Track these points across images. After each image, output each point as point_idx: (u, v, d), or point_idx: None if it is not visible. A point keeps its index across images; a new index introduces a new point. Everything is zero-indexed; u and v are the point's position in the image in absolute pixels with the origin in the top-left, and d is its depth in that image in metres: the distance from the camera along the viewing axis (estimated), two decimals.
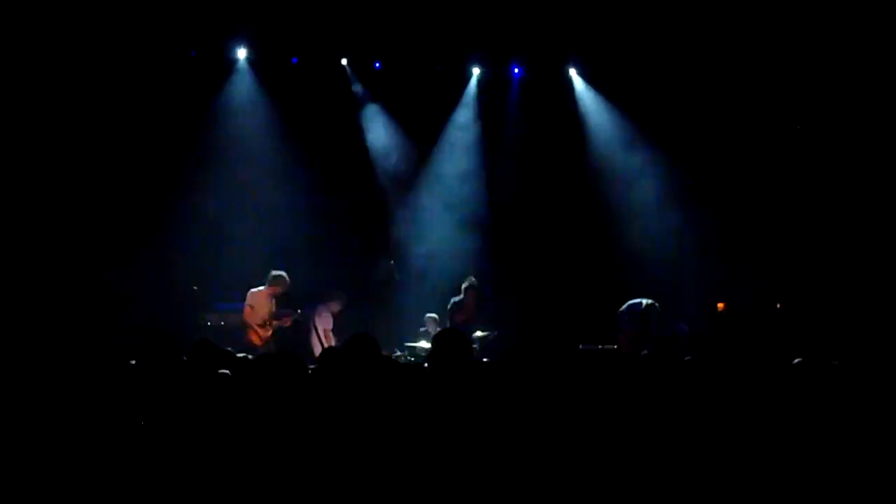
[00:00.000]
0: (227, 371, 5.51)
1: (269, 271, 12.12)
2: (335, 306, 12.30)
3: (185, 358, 5.65)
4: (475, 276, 13.35)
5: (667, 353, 11.41)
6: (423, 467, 3.99)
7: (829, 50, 12.85)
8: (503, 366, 5.04)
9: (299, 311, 12.20)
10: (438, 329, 12.15)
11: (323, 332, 12.01)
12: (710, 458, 4.10)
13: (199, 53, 13.37)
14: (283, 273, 12.03)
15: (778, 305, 14.01)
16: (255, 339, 11.81)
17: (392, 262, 12.87)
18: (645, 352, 12.19)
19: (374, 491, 3.87)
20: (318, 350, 11.66)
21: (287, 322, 12.10)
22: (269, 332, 11.93)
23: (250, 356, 6.60)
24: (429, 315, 12.71)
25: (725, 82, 13.79)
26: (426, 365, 5.17)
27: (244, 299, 12.00)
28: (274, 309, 12.06)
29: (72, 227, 12.48)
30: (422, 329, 12.57)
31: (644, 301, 12.40)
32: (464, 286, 12.23)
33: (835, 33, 12.61)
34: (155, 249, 12.95)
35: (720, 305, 14.10)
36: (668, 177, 14.20)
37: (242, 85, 13.79)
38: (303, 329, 12.22)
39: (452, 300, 12.23)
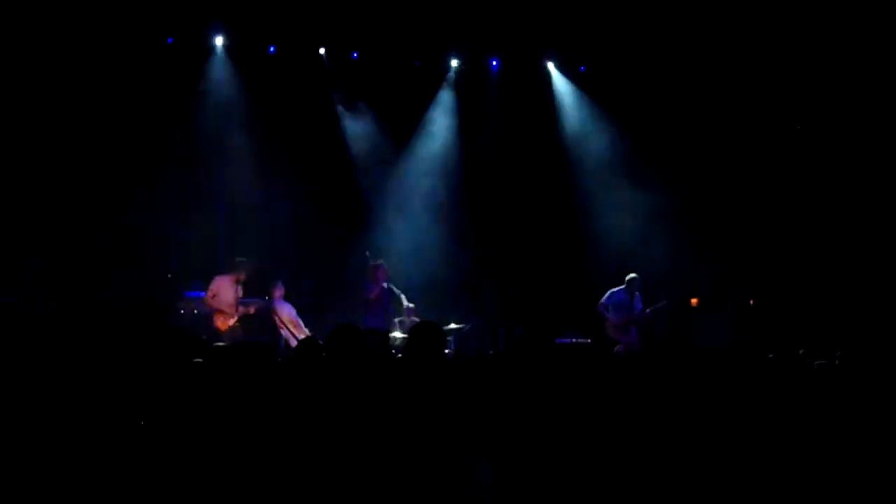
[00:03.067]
0: (200, 360, 5.48)
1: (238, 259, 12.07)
2: (279, 291, 12.09)
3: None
4: (449, 266, 13.48)
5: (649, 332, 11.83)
6: (398, 457, 3.98)
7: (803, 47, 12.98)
8: (480, 361, 5.03)
9: (267, 297, 12.12)
10: (415, 318, 12.14)
11: (291, 324, 11.85)
12: (689, 456, 4.12)
13: (177, 40, 13.24)
14: (244, 259, 11.97)
15: (751, 301, 14.10)
16: (220, 325, 11.72)
17: (367, 252, 12.83)
18: (633, 337, 12.58)
19: (350, 480, 3.86)
20: (291, 341, 11.55)
21: (252, 309, 12.03)
22: (235, 319, 11.85)
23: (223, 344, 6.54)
24: (406, 304, 12.69)
25: (702, 74, 13.89)
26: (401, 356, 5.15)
27: None
28: (240, 295, 11.99)
29: (44, 215, 12.34)
30: (397, 319, 12.55)
31: (623, 285, 12.77)
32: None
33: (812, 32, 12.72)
34: (127, 236, 12.84)
35: (694, 301, 14.18)
36: (641, 166, 14.27)
37: (219, 72, 13.69)
38: (269, 318, 12.11)
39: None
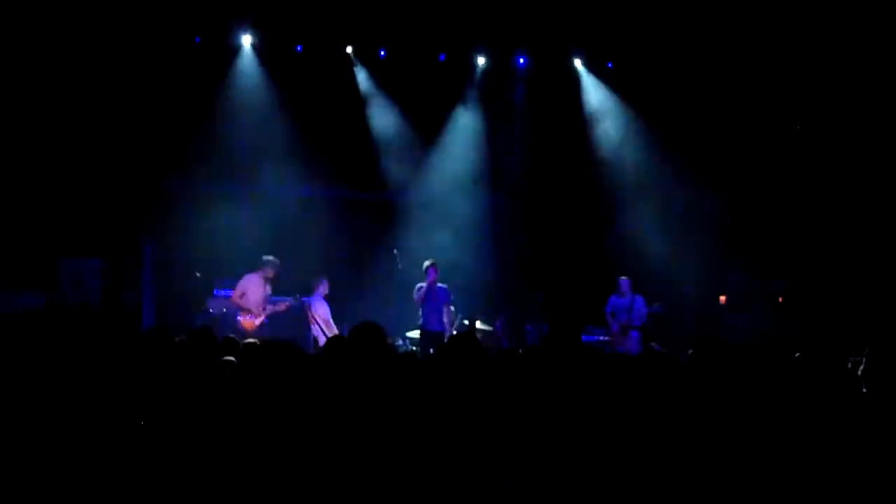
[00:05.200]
0: (231, 358, 5.52)
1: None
2: (323, 289, 12.20)
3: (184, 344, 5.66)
4: (475, 265, 13.42)
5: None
6: (424, 455, 3.99)
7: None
8: (507, 359, 5.02)
9: (297, 295, 12.13)
10: (451, 319, 12.08)
11: (323, 322, 11.86)
12: (714, 456, 4.09)
13: (204, 39, 13.33)
14: (272, 257, 11.97)
15: (780, 298, 14.03)
16: (247, 324, 11.75)
17: (395, 251, 12.86)
18: (632, 343, 12.51)
19: (377, 480, 3.87)
20: (321, 338, 11.56)
21: (282, 308, 12.04)
22: (262, 317, 11.87)
23: (256, 341, 6.56)
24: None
25: (730, 72, 13.80)
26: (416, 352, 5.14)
27: None
28: (269, 293, 12.01)
29: (77, 212, 12.48)
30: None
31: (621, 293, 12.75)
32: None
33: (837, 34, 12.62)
34: (157, 235, 12.95)
35: (722, 298, 14.12)
36: (671, 165, 14.18)
37: (246, 71, 13.77)
38: (298, 315, 12.09)
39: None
